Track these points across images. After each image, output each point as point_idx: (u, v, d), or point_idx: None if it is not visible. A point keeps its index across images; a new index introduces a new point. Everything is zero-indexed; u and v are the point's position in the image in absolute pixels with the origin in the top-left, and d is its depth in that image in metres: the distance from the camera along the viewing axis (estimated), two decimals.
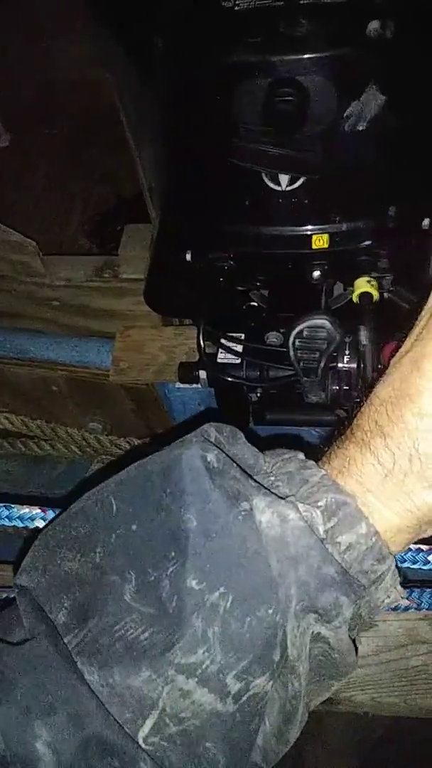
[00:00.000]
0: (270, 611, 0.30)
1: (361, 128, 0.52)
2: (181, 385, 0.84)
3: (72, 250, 1.22)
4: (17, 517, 0.42)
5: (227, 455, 0.33)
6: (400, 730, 0.90)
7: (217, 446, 0.33)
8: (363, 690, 0.53)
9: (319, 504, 0.32)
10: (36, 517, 0.42)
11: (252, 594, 0.30)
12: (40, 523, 0.42)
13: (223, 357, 0.75)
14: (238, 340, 0.73)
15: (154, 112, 0.60)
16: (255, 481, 0.33)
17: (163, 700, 0.29)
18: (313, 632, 0.31)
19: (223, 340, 0.74)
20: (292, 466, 0.34)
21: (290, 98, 0.49)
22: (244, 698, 0.30)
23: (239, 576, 0.30)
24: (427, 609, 0.47)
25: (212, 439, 0.34)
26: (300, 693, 0.32)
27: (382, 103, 0.50)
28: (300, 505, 0.31)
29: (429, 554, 0.40)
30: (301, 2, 0.49)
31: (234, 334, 0.74)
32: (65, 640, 0.30)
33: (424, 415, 0.32)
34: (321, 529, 0.31)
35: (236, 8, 0.49)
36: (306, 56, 0.49)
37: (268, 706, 0.31)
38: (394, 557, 0.33)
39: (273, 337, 0.70)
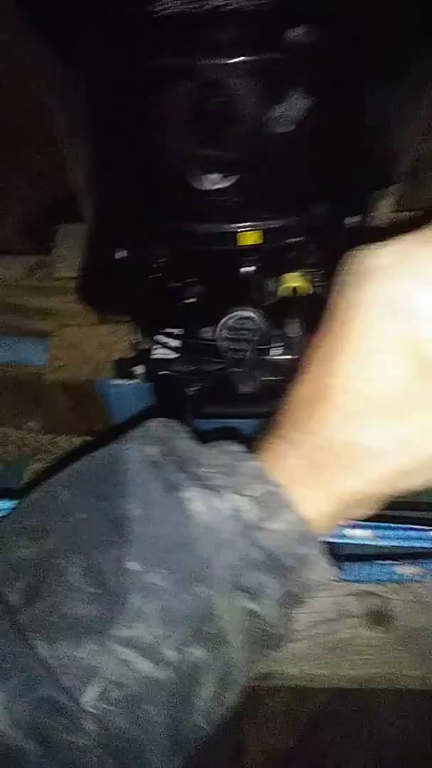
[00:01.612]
0: (203, 589, 0.33)
1: (286, 130, 0.54)
2: (119, 382, 0.85)
3: (7, 250, 1.21)
4: None
5: (167, 448, 0.36)
6: (335, 706, 0.93)
7: (158, 440, 0.36)
8: (294, 664, 0.55)
9: (250, 494, 0.34)
10: None
11: (186, 575, 0.33)
12: None
13: (159, 352, 0.76)
14: (174, 336, 0.74)
15: (83, 115, 0.61)
16: (191, 473, 0.35)
17: (106, 669, 0.31)
18: (245, 608, 0.34)
19: (159, 336, 0.76)
20: (227, 459, 0.36)
21: (216, 101, 0.51)
22: (180, 666, 0.32)
23: (175, 558, 0.33)
24: (345, 580, 0.50)
25: (155, 434, 0.37)
26: (234, 661, 0.35)
27: (306, 105, 0.53)
28: (231, 495, 0.34)
29: (347, 528, 0.43)
30: (226, 9, 0.51)
31: (171, 330, 0.75)
32: (18, 618, 0.32)
33: (339, 410, 0.34)
34: (251, 517, 0.34)
35: (162, 13, 0.51)
36: (230, 60, 0.51)
37: (205, 673, 0.34)
38: (321, 541, 0.36)
39: (208, 332, 0.72)
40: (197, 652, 0.33)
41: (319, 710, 0.94)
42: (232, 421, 0.82)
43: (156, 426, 0.38)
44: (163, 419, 0.39)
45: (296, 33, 0.49)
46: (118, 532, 0.33)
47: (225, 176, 0.55)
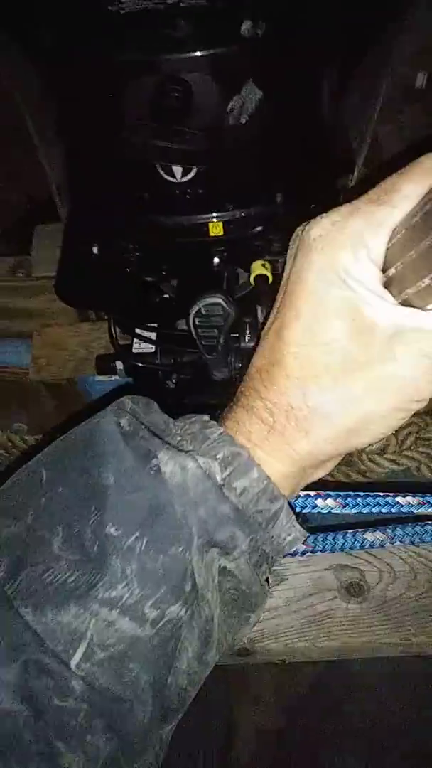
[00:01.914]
0: (179, 549, 0.34)
1: (243, 121, 0.56)
2: (100, 378, 0.86)
3: None
4: None
5: (139, 420, 0.38)
6: (323, 681, 0.95)
7: (130, 413, 0.38)
8: (276, 639, 0.57)
9: (217, 456, 0.37)
10: None
11: (162, 536, 0.35)
12: None
13: (138, 347, 0.78)
14: (151, 329, 0.76)
15: (50, 113, 0.63)
16: (161, 439, 0.38)
17: (90, 631, 0.33)
18: (219, 566, 0.36)
19: (137, 330, 0.77)
20: (195, 428, 0.39)
21: (175, 94, 0.53)
22: (161, 623, 0.34)
23: (151, 522, 0.35)
24: (321, 551, 0.51)
25: (127, 409, 0.39)
26: (212, 617, 0.36)
27: (261, 97, 0.55)
28: (199, 458, 0.36)
29: (317, 498, 0.45)
30: (181, 5, 0.53)
31: (149, 324, 0.77)
32: (3, 590, 0.34)
33: (289, 376, 0.37)
34: (219, 477, 0.36)
35: (121, 11, 0.53)
36: (187, 55, 0.53)
37: (185, 631, 0.35)
38: (286, 499, 0.38)
39: (183, 325, 0.74)
40: (176, 610, 0.34)
41: (308, 686, 0.95)
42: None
43: (128, 401, 0.39)
44: (135, 396, 0.40)
45: (246, 27, 0.51)
46: (95, 502, 0.35)
47: (187, 168, 0.57)
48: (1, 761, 0.31)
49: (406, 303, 0.33)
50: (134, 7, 0.54)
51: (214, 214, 0.62)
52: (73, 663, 0.33)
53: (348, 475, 0.95)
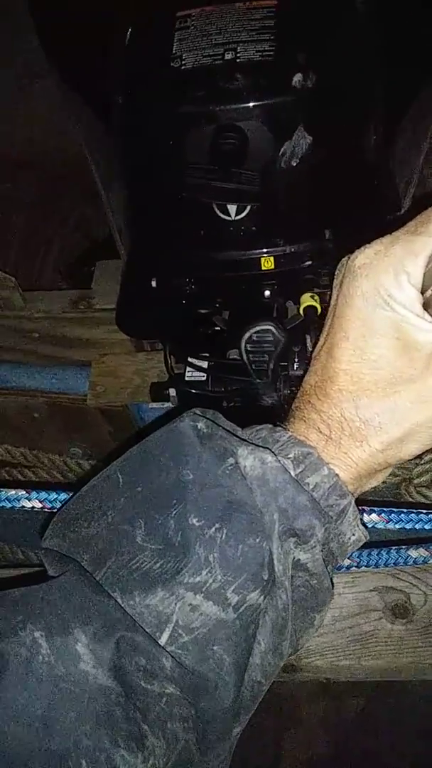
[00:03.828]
0: (257, 540, 0.37)
1: (294, 163, 0.60)
2: (154, 405, 0.90)
3: (51, 287, 1.31)
4: (5, 499, 0.48)
5: (215, 422, 0.41)
6: (369, 710, 0.94)
7: (205, 417, 0.41)
8: (322, 656, 0.58)
9: (289, 455, 0.40)
10: (21, 498, 0.49)
11: (242, 527, 0.37)
12: (26, 503, 0.49)
13: (190, 375, 0.82)
14: (204, 359, 0.80)
15: (117, 159, 0.68)
16: (238, 437, 0.40)
17: (176, 615, 0.35)
18: (294, 558, 0.38)
19: (190, 359, 0.81)
20: (264, 433, 0.42)
21: (232, 141, 0.58)
22: (242, 608, 0.36)
23: (230, 514, 0.37)
24: (366, 566, 0.53)
25: (202, 414, 0.42)
26: (288, 605, 0.38)
27: (310, 141, 0.59)
28: (275, 454, 0.39)
29: (361, 513, 0.47)
30: (237, 61, 0.58)
31: (201, 353, 0.81)
32: (93, 576, 0.36)
33: (342, 391, 0.40)
34: (293, 472, 0.39)
35: (182, 68, 0.58)
36: (242, 105, 0.58)
37: (263, 616, 0.37)
38: (353, 496, 0.40)
39: (234, 354, 0.78)
40: (255, 596, 0.36)
41: (354, 716, 0.95)
42: None
43: (199, 410, 0.42)
44: (203, 408, 0.43)
45: (297, 79, 0.55)
46: (177, 495, 0.37)
47: (242, 207, 0.62)
48: (95, 734, 0.33)
49: None
50: (195, 63, 0.59)
51: (266, 250, 0.66)
52: (162, 641, 0.35)
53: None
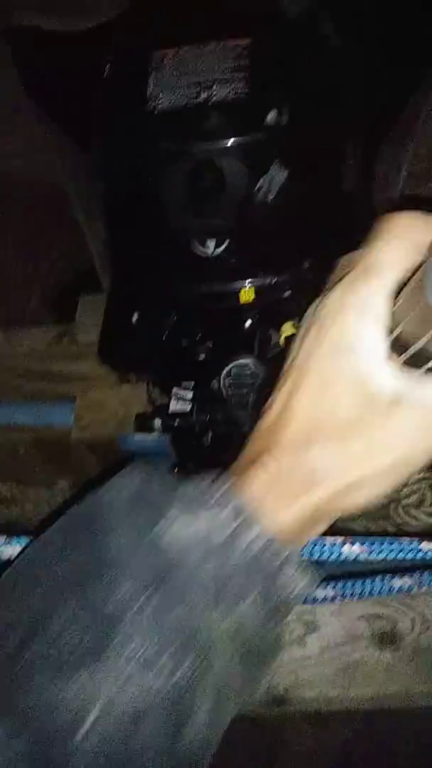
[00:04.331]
0: (190, 604, 0.36)
1: (271, 197, 0.62)
2: (140, 436, 0.91)
3: (35, 320, 1.32)
4: None
5: (145, 487, 0.40)
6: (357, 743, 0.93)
7: (136, 482, 0.40)
8: (311, 688, 0.58)
9: (225, 511, 0.38)
10: None
11: (173, 593, 0.37)
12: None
13: (174, 406, 0.82)
14: (187, 389, 0.81)
15: (97, 196, 0.69)
16: (169, 497, 0.40)
17: (105, 689, 0.35)
18: (231, 617, 0.38)
19: (174, 390, 0.82)
20: (204, 485, 0.40)
21: (208, 178, 0.59)
22: (177, 677, 0.36)
23: (161, 581, 0.37)
24: (350, 596, 0.53)
25: (133, 477, 0.41)
26: (227, 674, 0.38)
27: (286, 175, 0.61)
28: (206, 514, 0.38)
29: (343, 545, 0.47)
30: (211, 102, 0.60)
31: (185, 384, 0.82)
32: (16, 660, 0.36)
33: (291, 436, 0.38)
34: (226, 531, 0.38)
35: (157, 109, 0.60)
36: (218, 143, 0.59)
37: (200, 683, 0.37)
38: (291, 551, 0.39)
39: (216, 384, 0.79)
40: (191, 663, 0.36)
41: (341, 748, 0.94)
42: None
43: (135, 469, 0.42)
44: (142, 461, 0.43)
45: (271, 116, 0.57)
46: (106, 568, 0.37)
47: (220, 241, 0.63)
48: None
49: (409, 361, 0.36)
50: (169, 104, 0.61)
51: (246, 282, 0.67)
52: (81, 733, 0.34)
53: (385, 530, 0.96)
